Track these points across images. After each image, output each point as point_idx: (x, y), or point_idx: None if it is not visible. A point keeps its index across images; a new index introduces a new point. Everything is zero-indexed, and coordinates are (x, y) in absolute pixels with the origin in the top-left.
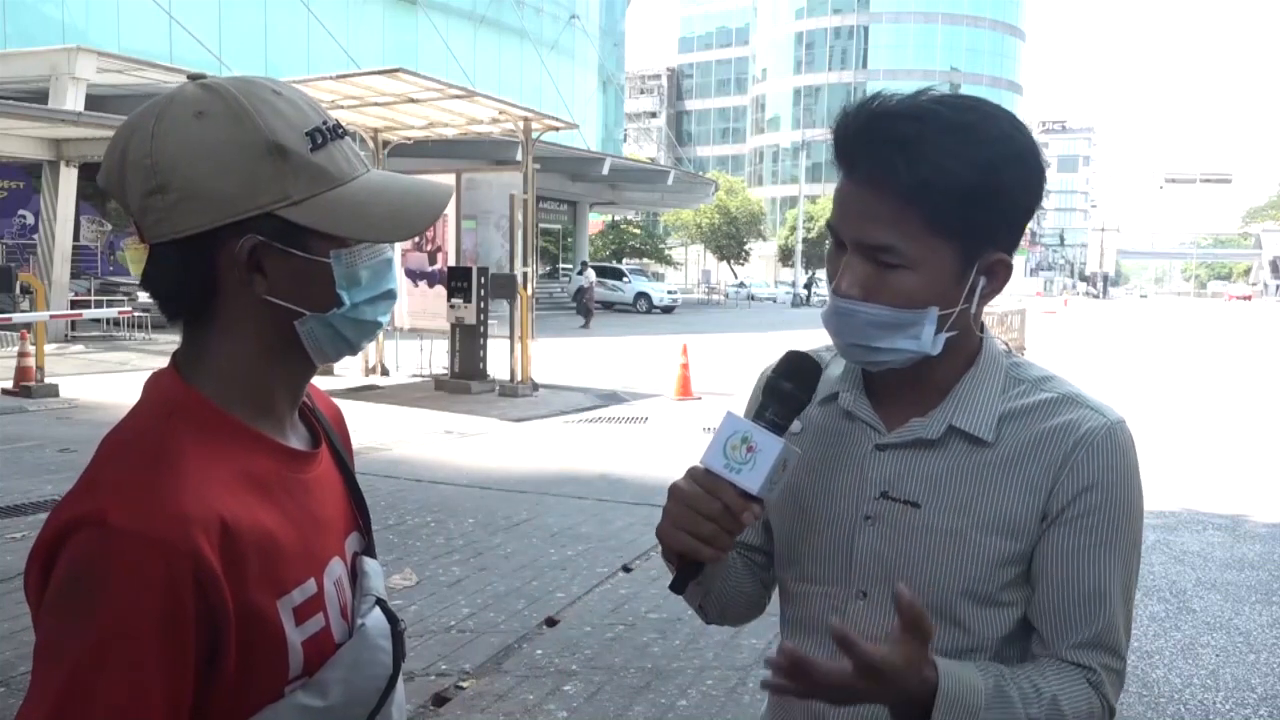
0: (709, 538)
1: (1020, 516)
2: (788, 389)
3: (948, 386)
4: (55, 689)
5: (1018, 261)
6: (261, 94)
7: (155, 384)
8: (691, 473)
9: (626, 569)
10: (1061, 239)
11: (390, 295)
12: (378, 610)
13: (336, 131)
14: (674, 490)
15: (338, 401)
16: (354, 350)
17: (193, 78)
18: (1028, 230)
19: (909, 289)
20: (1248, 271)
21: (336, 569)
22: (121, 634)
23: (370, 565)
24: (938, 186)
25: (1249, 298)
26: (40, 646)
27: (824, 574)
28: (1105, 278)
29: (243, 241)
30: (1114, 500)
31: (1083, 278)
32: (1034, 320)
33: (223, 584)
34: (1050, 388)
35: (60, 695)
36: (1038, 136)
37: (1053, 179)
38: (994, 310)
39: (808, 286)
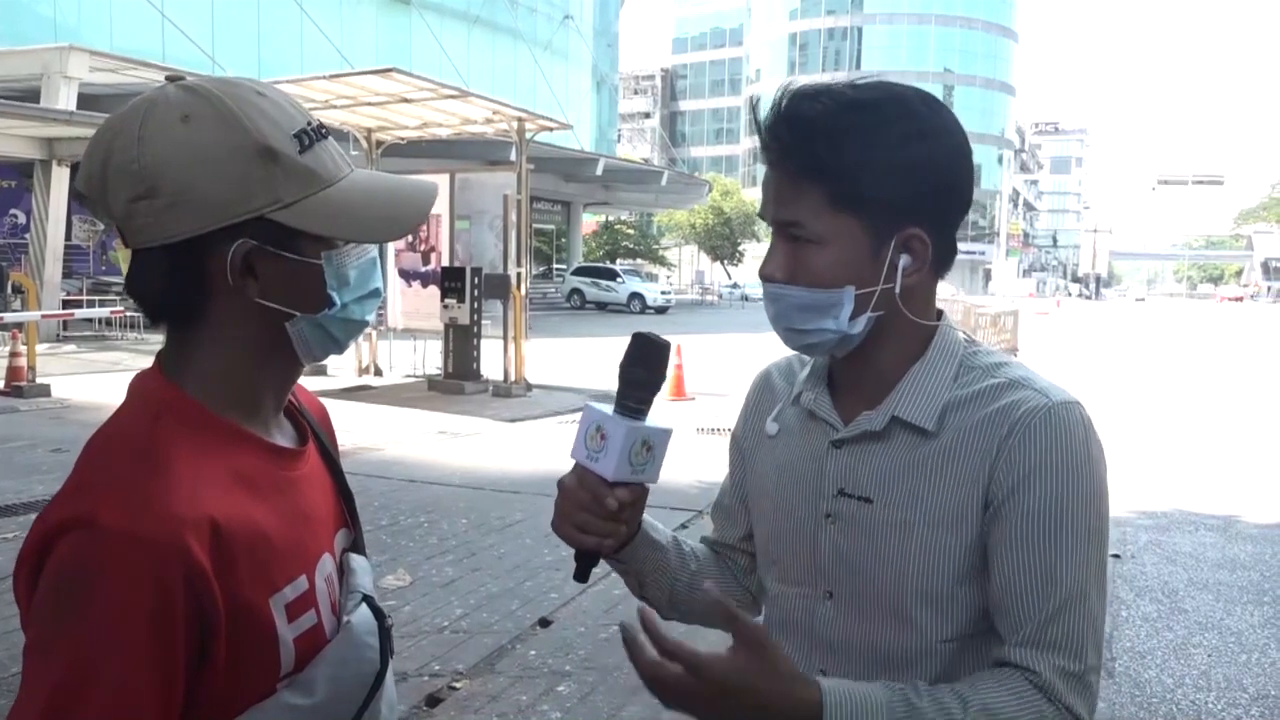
0: (583, 526)
1: (963, 508)
2: (637, 373)
3: (897, 377)
4: (47, 689)
5: (1010, 263)
6: (246, 96)
7: (141, 384)
8: (573, 467)
9: None
10: (1054, 240)
11: (376, 294)
12: (364, 607)
13: (320, 132)
14: (559, 484)
15: (331, 402)
16: (341, 349)
17: (171, 79)
18: (1020, 231)
19: (821, 266)
20: (1239, 273)
21: (327, 565)
22: (112, 633)
23: (358, 562)
24: (834, 162)
25: (1240, 299)
26: (30, 647)
27: (796, 575)
28: (1098, 279)
29: (236, 246)
30: (1056, 486)
31: (1075, 279)
32: (1027, 321)
33: (213, 583)
34: (1001, 373)
35: (51, 695)
36: (1031, 138)
37: (1046, 180)
38: (987, 311)
39: None
